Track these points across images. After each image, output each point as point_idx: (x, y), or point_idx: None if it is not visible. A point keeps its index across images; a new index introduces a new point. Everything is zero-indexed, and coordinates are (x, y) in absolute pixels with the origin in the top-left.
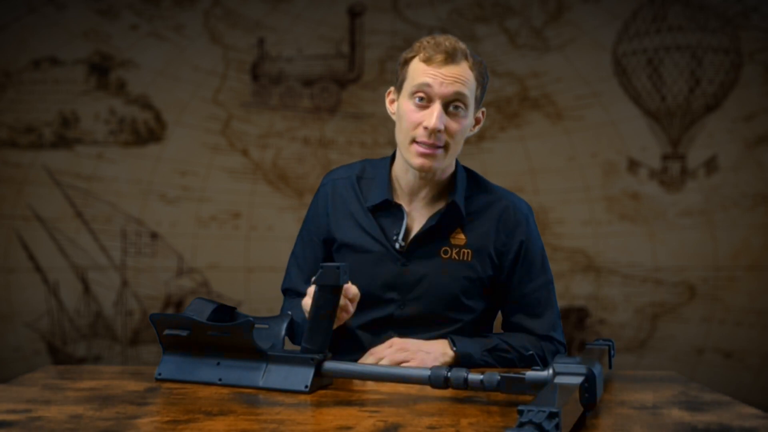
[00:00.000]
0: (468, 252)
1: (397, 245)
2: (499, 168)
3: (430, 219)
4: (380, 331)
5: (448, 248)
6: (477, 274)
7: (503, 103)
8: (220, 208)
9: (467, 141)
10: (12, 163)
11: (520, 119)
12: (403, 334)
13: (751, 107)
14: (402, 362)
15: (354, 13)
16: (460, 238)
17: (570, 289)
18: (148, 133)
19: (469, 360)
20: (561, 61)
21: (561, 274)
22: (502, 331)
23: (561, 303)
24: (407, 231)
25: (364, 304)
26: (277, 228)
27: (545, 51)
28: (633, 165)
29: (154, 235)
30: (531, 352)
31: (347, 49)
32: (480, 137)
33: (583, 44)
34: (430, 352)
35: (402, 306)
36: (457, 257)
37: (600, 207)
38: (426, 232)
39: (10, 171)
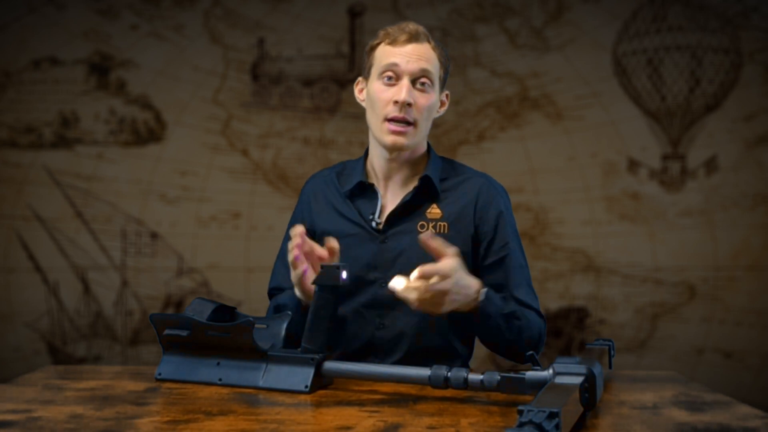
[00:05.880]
0: (444, 225)
1: (373, 224)
2: (499, 168)
3: (405, 196)
4: (367, 316)
5: (424, 222)
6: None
7: (503, 103)
8: (220, 208)
9: (465, 141)
10: (12, 163)
11: (520, 119)
12: (389, 317)
13: (751, 107)
14: (437, 294)
15: (354, 13)
16: (436, 212)
17: (570, 289)
18: (148, 133)
19: (486, 318)
20: (561, 61)
21: (561, 274)
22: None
23: (561, 303)
24: (383, 210)
25: (349, 288)
26: (277, 228)
27: (545, 51)
28: (633, 165)
29: (154, 235)
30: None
31: (347, 49)
32: (480, 137)
33: (583, 44)
34: (457, 300)
35: (383, 284)
36: (434, 230)
37: (600, 207)
38: (401, 208)
39: (10, 171)
